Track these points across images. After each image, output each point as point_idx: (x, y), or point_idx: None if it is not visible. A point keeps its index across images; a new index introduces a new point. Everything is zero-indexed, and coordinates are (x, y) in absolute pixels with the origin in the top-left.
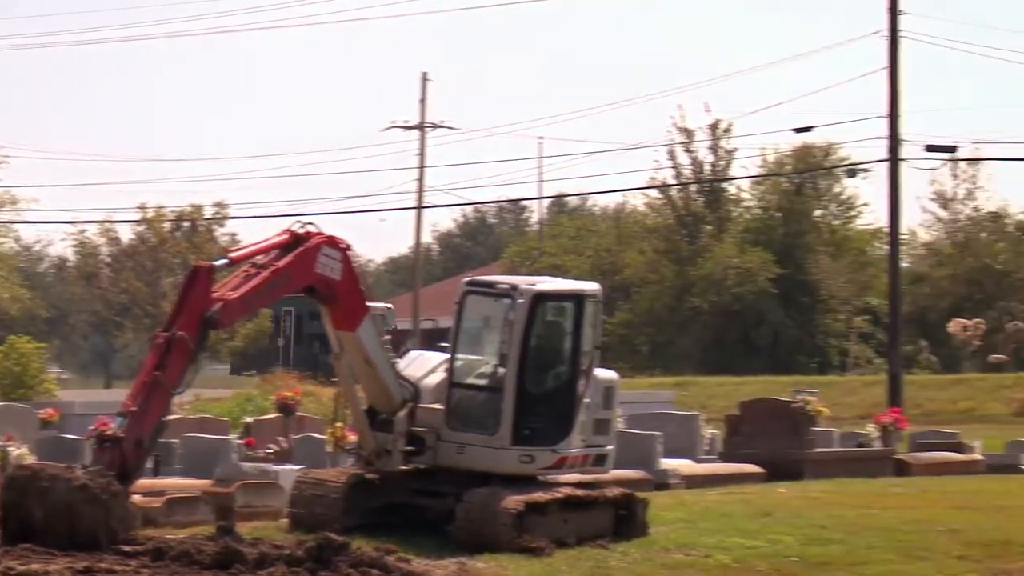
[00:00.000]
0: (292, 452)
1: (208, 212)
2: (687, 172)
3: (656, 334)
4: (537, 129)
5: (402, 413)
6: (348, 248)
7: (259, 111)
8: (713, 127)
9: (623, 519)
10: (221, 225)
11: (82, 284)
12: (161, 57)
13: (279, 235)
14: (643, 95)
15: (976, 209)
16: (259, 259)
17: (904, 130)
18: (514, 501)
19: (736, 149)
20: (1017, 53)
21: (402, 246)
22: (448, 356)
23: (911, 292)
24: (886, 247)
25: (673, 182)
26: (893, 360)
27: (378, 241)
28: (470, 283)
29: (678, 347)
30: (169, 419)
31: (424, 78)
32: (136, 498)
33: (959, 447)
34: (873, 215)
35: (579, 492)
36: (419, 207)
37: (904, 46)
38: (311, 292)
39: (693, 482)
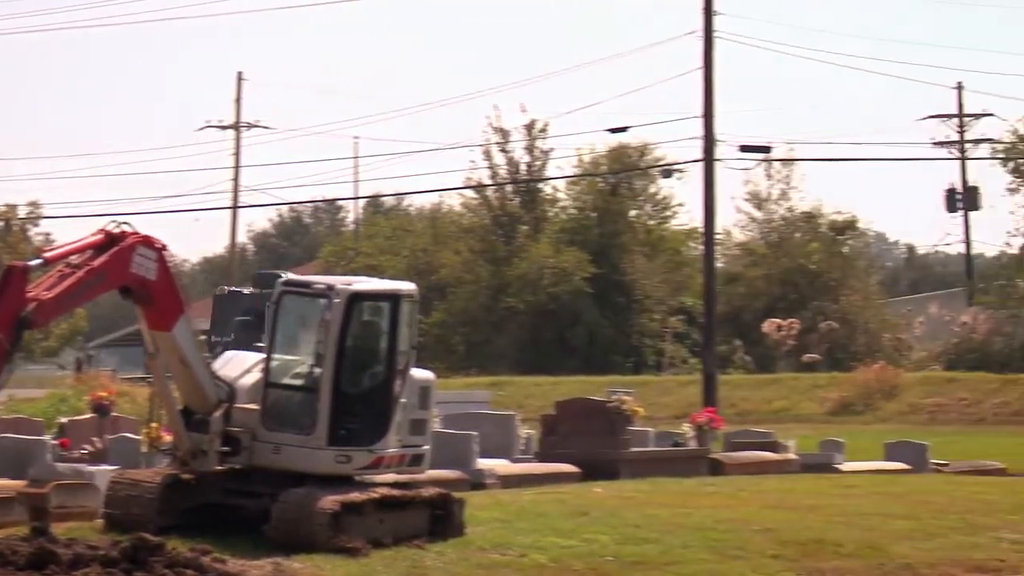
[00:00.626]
0: (107, 452)
1: (22, 211)
2: (503, 172)
3: (472, 334)
4: (353, 129)
5: (217, 413)
6: (163, 248)
7: (74, 110)
8: (529, 127)
9: (439, 519)
10: (35, 225)
11: None
12: None
13: (94, 235)
14: (459, 95)
15: (790, 209)
16: (74, 259)
17: (718, 130)
18: (330, 501)
19: (552, 149)
20: (830, 54)
21: (217, 246)
22: (264, 356)
23: (725, 292)
24: (701, 247)
25: (489, 182)
26: (708, 360)
27: (193, 241)
28: (286, 283)
29: (494, 347)
30: None
31: (239, 78)
32: None
33: (773, 446)
34: (688, 215)
35: (395, 492)
36: (234, 207)
37: (719, 47)
38: (126, 292)
39: (509, 482)
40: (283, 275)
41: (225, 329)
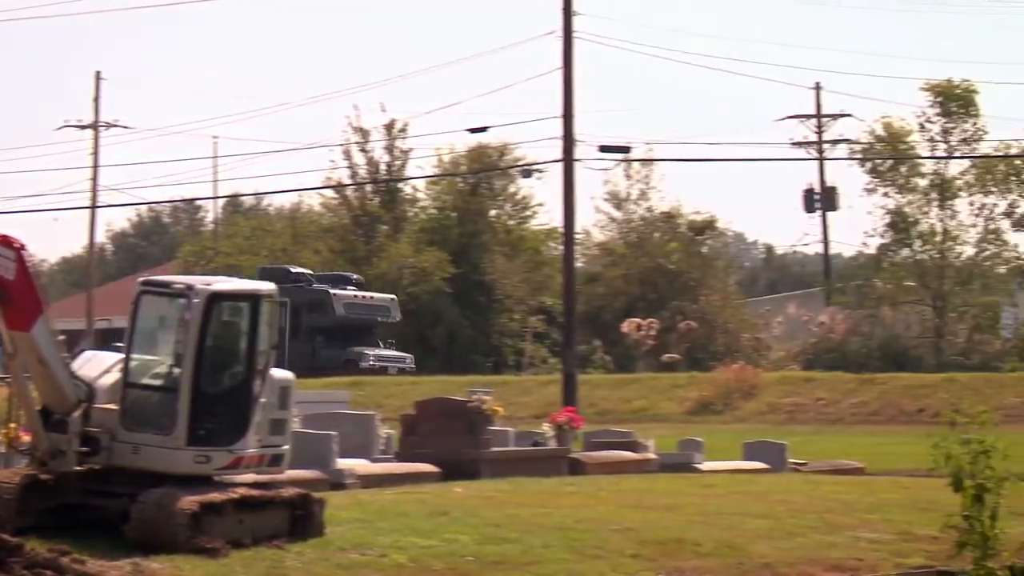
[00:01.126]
0: None
1: None
2: (363, 172)
3: None
4: (212, 129)
5: (76, 413)
6: (22, 248)
7: None
8: (388, 127)
9: (299, 519)
10: None
11: None
12: None
13: None
14: (319, 95)
15: (649, 209)
16: None
17: (578, 130)
18: (189, 501)
19: (412, 149)
20: (690, 54)
21: (76, 246)
22: (123, 356)
23: (585, 292)
24: (561, 247)
25: (349, 182)
26: (568, 359)
27: (52, 241)
28: (145, 283)
29: None
30: None
31: (98, 77)
32: None
33: (633, 446)
34: (548, 215)
35: (255, 492)
36: (93, 206)
37: (579, 47)
38: None
39: (369, 482)
40: (292, 269)
41: None
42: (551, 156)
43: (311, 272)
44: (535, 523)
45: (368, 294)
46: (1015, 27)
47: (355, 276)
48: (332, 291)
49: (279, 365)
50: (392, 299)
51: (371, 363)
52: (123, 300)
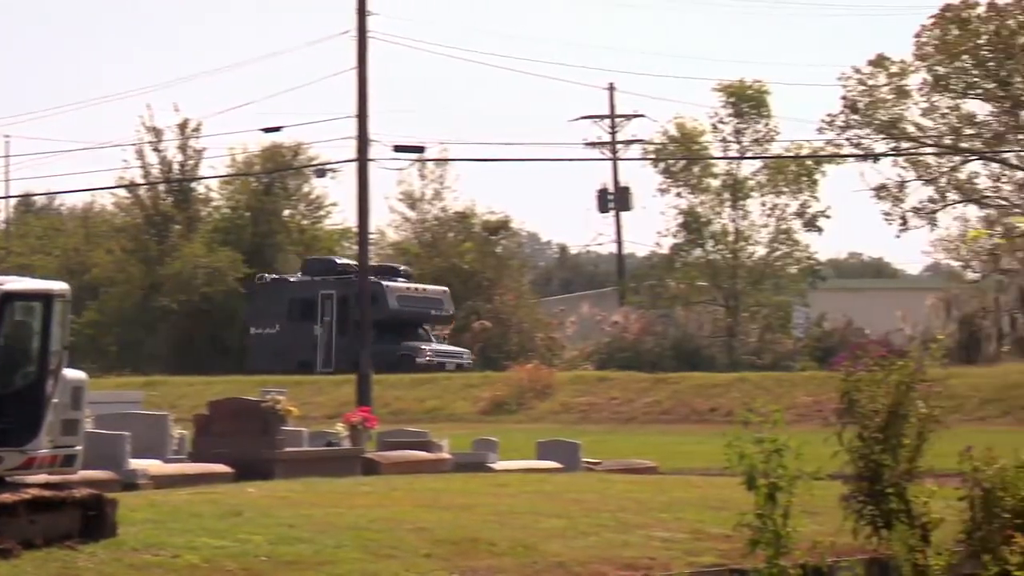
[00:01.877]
0: None
1: None
2: (156, 171)
3: (125, 334)
4: (3, 127)
5: None
6: None
7: None
8: (182, 126)
9: (92, 520)
10: None
11: None
12: None
13: None
14: (112, 94)
15: (443, 209)
16: None
17: (373, 130)
18: None
19: (205, 149)
20: (485, 54)
21: None
22: None
23: None
24: (355, 247)
25: (142, 181)
26: (363, 359)
27: None
28: None
29: (147, 347)
30: None
31: None
32: None
33: (427, 446)
34: (342, 215)
35: (47, 493)
36: None
37: (373, 47)
38: None
39: (162, 482)
40: (338, 260)
41: (268, 320)
42: (345, 156)
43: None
44: (329, 523)
45: (420, 286)
46: (806, 28)
47: (403, 267)
48: (385, 283)
49: (325, 361)
50: (444, 291)
51: (428, 359)
52: None
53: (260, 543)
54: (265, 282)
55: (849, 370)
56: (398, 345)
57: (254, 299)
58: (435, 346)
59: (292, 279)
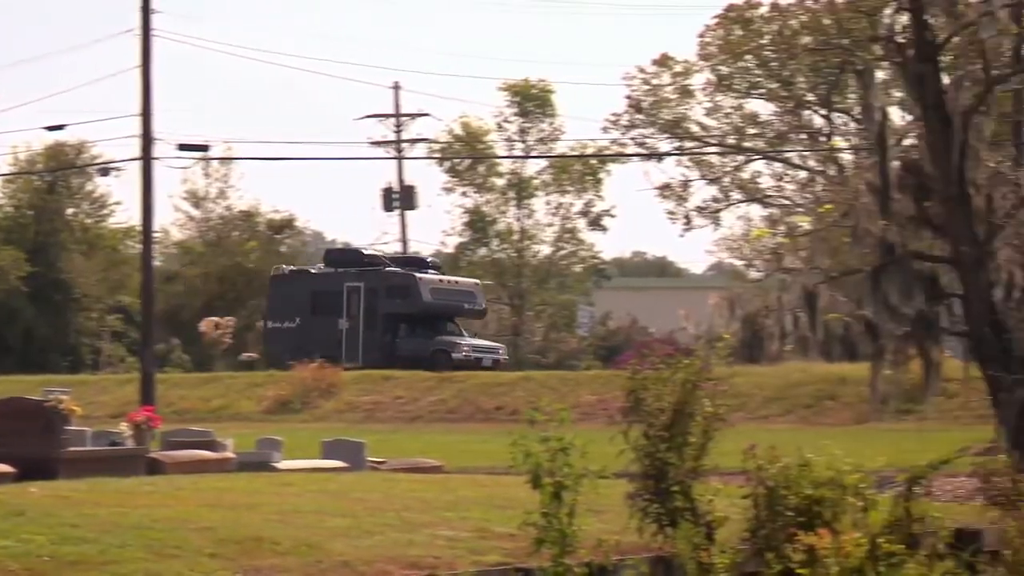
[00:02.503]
0: None
1: None
2: None
3: None
4: None
5: None
6: None
7: None
8: None
9: None
10: None
11: None
12: None
13: None
14: None
15: (228, 208)
16: None
17: (158, 129)
18: None
19: None
20: (271, 53)
21: None
22: None
23: (164, 291)
24: (139, 246)
25: None
26: (145, 358)
27: None
28: None
29: None
30: None
31: None
32: None
33: (212, 445)
34: (126, 213)
35: None
36: None
37: (160, 45)
38: None
39: None
40: (365, 251)
41: (286, 314)
42: (129, 154)
43: (385, 255)
44: (113, 523)
45: (453, 278)
46: (592, 27)
47: (431, 258)
48: (417, 275)
49: (350, 356)
50: (476, 284)
51: (465, 354)
52: None
53: (43, 543)
54: (283, 274)
55: (635, 368)
56: (431, 340)
57: (271, 293)
58: (472, 341)
59: (313, 271)
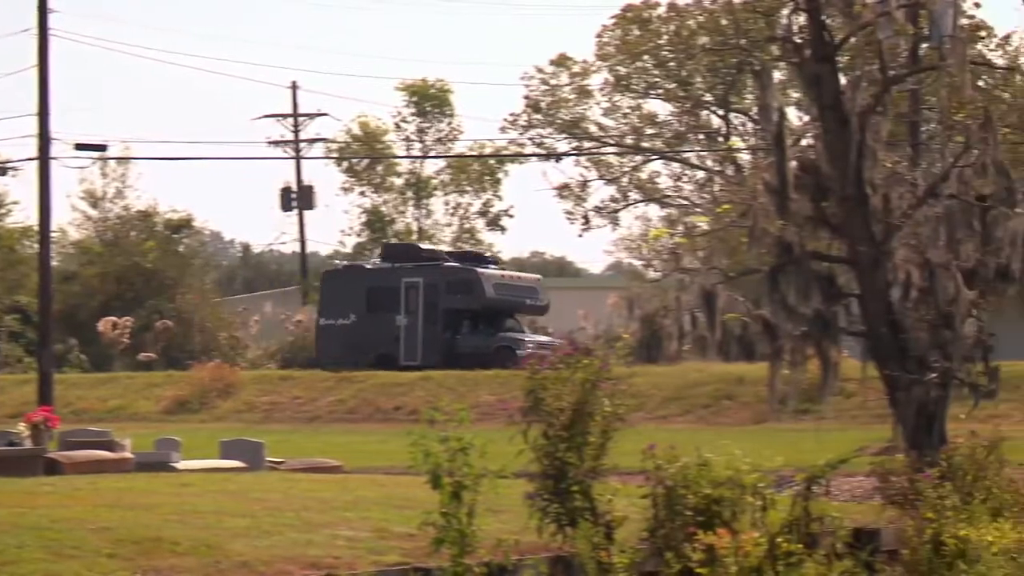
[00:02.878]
0: None
1: None
2: None
3: None
4: None
5: None
6: None
7: None
8: None
9: None
10: None
11: None
12: None
13: None
14: None
15: (126, 208)
16: None
17: (55, 128)
18: None
19: None
20: (170, 52)
21: None
22: None
23: (62, 290)
24: (36, 245)
25: None
26: (43, 359)
27: None
28: None
29: None
30: None
31: None
32: None
33: (110, 445)
34: (23, 213)
35: None
36: None
37: (58, 45)
38: None
39: None
40: (423, 246)
41: (341, 310)
42: (26, 154)
43: (443, 250)
44: (10, 523)
45: (515, 274)
46: (490, 27)
47: (488, 253)
48: (479, 270)
49: (409, 354)
50: (538, 279)
51: (530, 351)
52: None
53: None
54: (337, 269)
55: (534, 368)
56: (494, 337)
57: (324, 289)
58: (536, 338)
59: (369, 266)
